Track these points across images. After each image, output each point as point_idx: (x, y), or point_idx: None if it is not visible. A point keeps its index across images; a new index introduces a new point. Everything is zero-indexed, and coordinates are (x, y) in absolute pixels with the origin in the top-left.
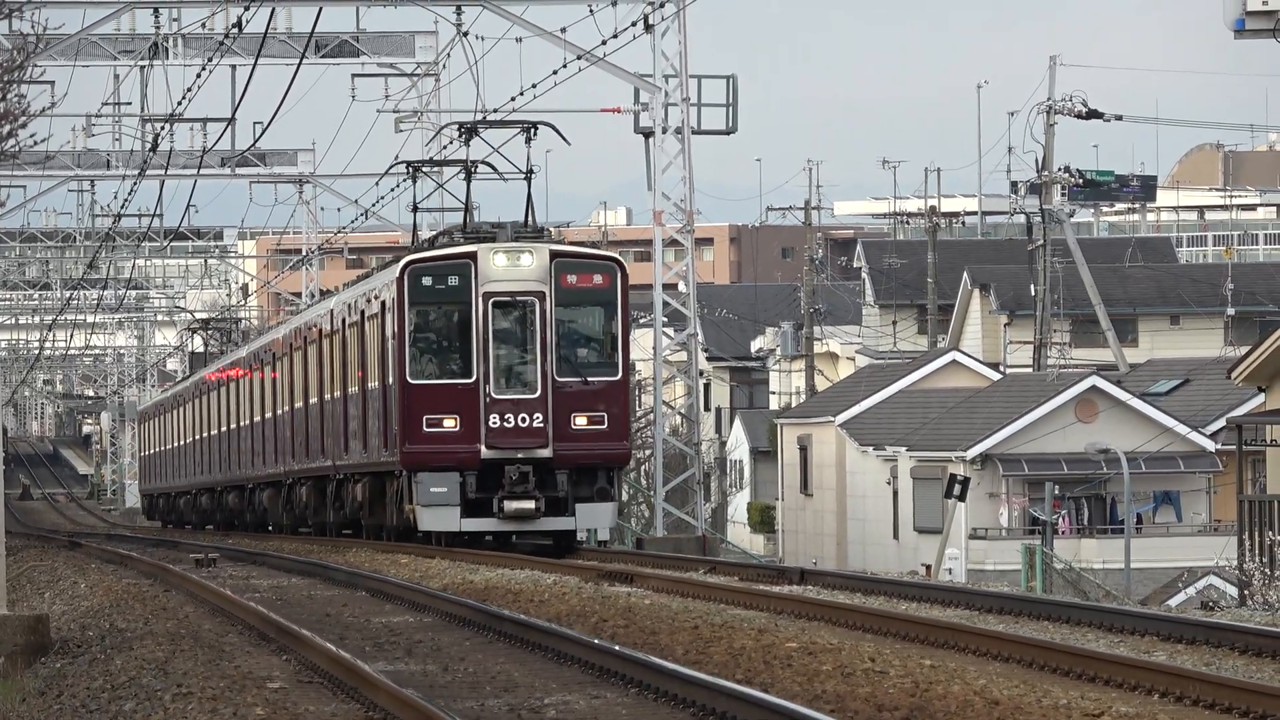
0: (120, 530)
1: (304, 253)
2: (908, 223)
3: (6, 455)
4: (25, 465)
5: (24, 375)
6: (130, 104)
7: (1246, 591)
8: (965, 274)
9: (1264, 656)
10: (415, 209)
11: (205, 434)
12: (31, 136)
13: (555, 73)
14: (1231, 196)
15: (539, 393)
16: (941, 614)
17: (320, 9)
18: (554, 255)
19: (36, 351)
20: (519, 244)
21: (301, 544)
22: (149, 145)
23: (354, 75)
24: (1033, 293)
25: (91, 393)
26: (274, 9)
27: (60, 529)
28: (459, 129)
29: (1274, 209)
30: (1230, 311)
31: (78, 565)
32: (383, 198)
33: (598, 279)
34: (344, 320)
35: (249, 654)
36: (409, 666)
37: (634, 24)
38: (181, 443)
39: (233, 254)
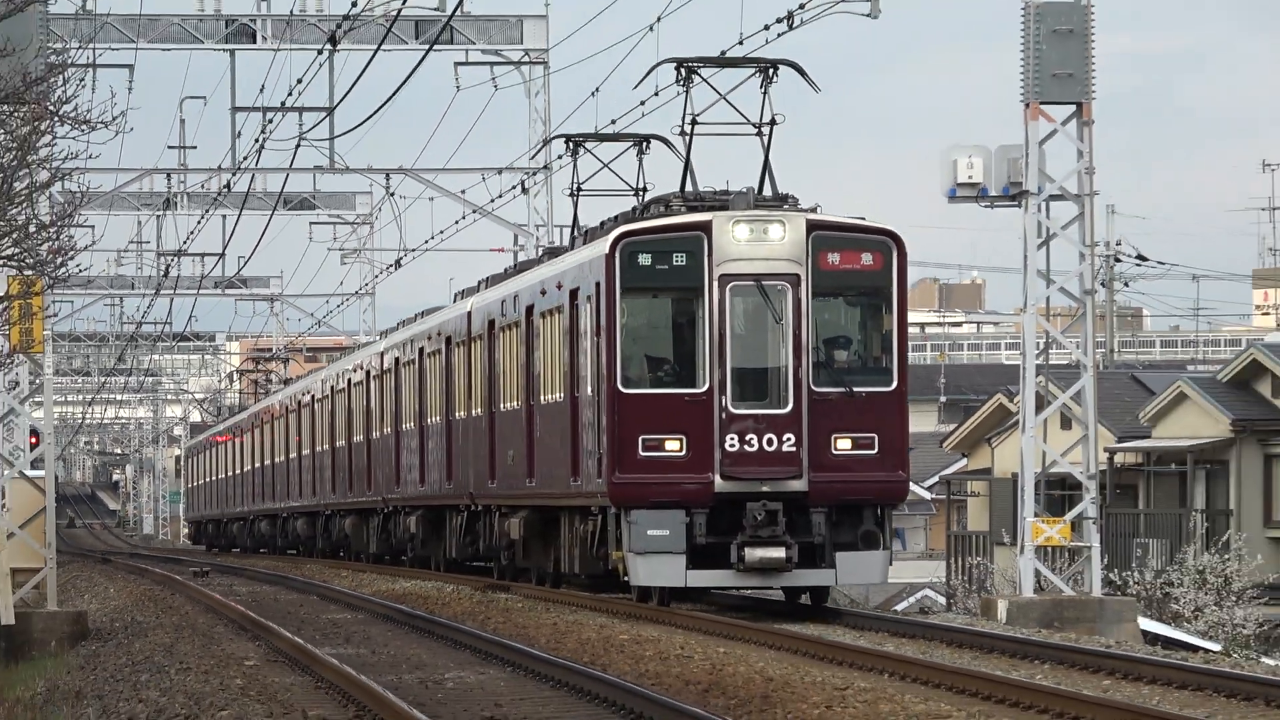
0: (140, 550)
1: (273, 351)
2: None
3: (57, 495)
4: (70, 503)
5: (70, 438)
6: (149, 242)
7: (952, 600)
8: None
9: (964, 648)
10: (577, 191)
11: (266, 462)
12: (77, 266)
13: (457, 222)
14: (944, 315)
15: (790, 406)
16: (732, 618)
17: (286, 176)
18: (811, 227)
19: (80, 421)
20: (766, 212)
21: (314, 565)
22: (162, 272)
23: (311, 224)
24: None
25: (119, 450)
26: (252, 175)
27: (95, 549)
28: (566, 142)
29: (975, 325)
30: (942, 399)
31: (108, 575)
32: (331, 312)
33: (867, 259)
34: (466, 333)
35: (232, 640)
36: (347, 650)
37: (514, 188)
38: (238, 471)
39: (222, 351)
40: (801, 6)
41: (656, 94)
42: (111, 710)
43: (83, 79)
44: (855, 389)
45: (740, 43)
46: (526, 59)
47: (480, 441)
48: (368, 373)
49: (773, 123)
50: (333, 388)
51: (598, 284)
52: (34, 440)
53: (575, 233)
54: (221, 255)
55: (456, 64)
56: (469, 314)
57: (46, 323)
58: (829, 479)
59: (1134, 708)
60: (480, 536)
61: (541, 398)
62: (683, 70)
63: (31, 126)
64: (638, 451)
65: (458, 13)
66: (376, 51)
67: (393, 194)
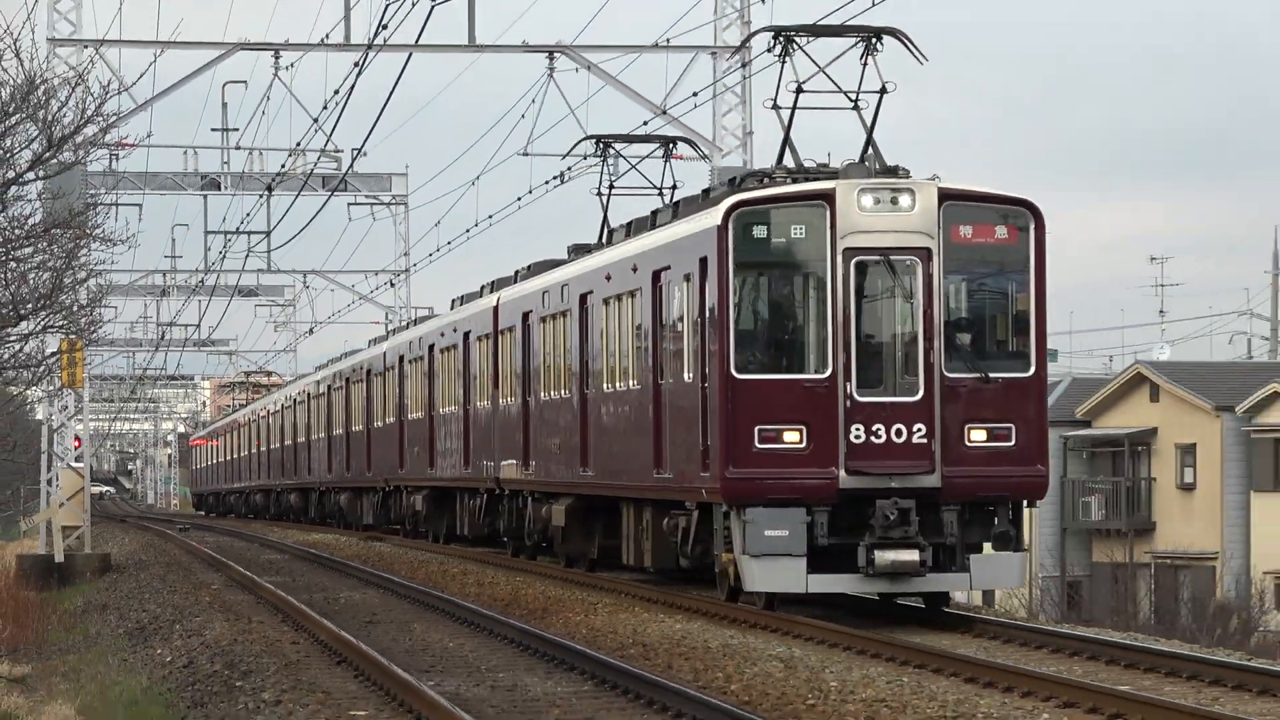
0: (144, 515)
1: (234, 384)
2: None
3: (91, 479)
4: (99, 484)
5: (100, 442)
6: (151, 317)
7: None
8: None
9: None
10: (609, 190)
11: (263, 448)
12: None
13: (350, 304)
14: None
15: (921, 394)
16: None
17: (239, 274)
18: (944, 197)
19: (106, 430)
20: (895, 180)
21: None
22: (160, 336)
23: (255, 305)
24: None
25: (131, 449)
26: (218, 274)
27: (115, 515)
28: (596, 142)
29: None
30: None
31: (124, 530)
32: (269, 359)
33: (1003, 231)
34: (493, 328)
35: (202, 572)
36: (278, 578)
37: (387, 283)
38: (235, 456)
39: (199, 386)
40: None
41: (530, 191)
42: (125, 616)
43: (108, 212)
44: (991, 375)
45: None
46: (393, 201)
47: (512, 429)
48: (368, 371)
49: (882, 91)
50: (329, 387)
51: (703, 260)
52: (77, 443)
53: (604, 232)
54: (198, 325)
55: (349, 204)
56: (495, 308)
57: (85, 368)
58: (963, 474)
59: None
60: (501, 517)
61: (606, 386)
62: (780, 38)
63: (75, 243)
64: (753, 443)
65: (350, 171)
66: (297, 197)
67: (308, 286)
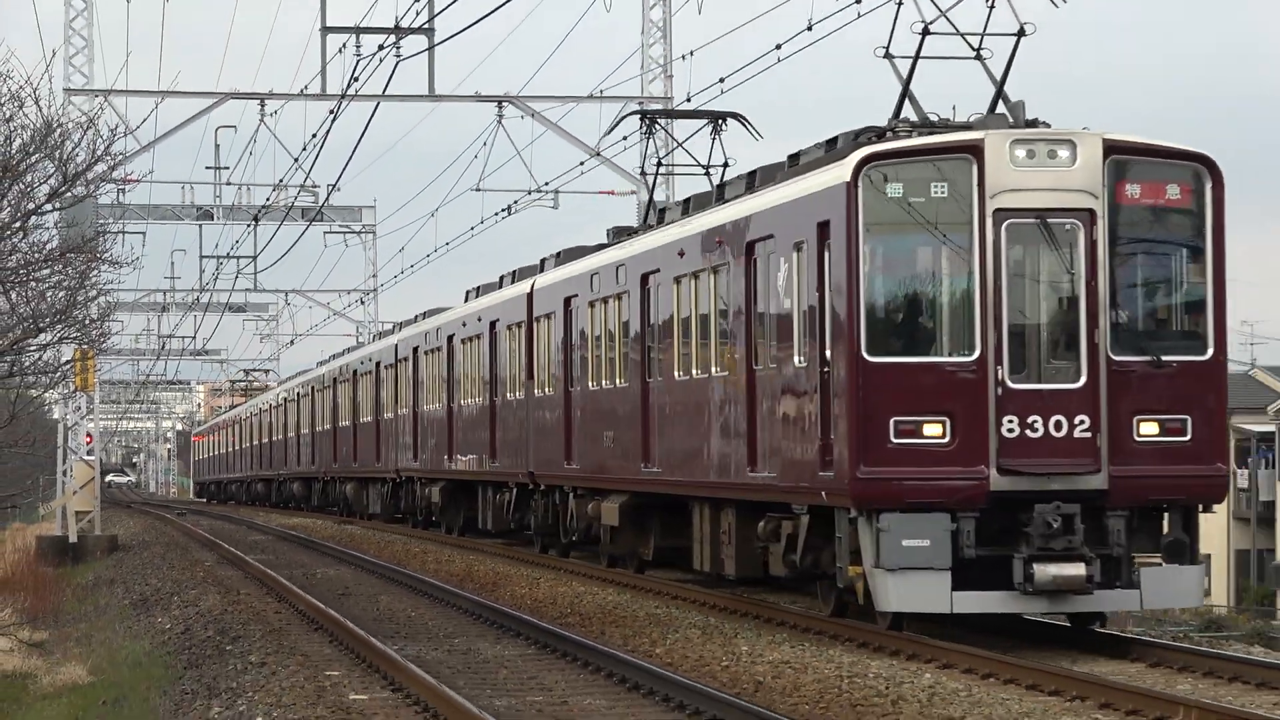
0: (147, 502)
1: (225, 388)
2: None
3: (100, 470)
4: (107, 474)
5: (109, 438)
6: (153, 331)
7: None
8: None
9: None
10: (657, 166)
11: (264, 440)
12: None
13: (326, 318)
14: None
15: (1083, 380)
16: (490, 543)
17: (229, 293)
18: (1110, 150)
19: (114, 428)
20: (1053, 130)
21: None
22: (160, 346)
23: (243, 320)
24: None
25: (136, 444)
26: (211, 292)
27: (122, 501)
28: (641, 118)
29: None
30: None
31: (129, 515)
32: (256, 366)
33: (1175, 191)
34: (527, 315)
35: (197, 551)
36: (264, 556)
37: (358, 300)
38: (238, 448)
39: (194, 389)
40: None
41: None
42: (130, 589)
43: (116, 239)
44: (1163, 358)
45: None
46: (363, 230)
47: (553, 421)
48: (377, 364)
49: (1020, 34)
50: (334, 380)
51: (822, 224)
52: (89, 439)
53: (650, 210)
54: (194, 337)
55: (325, 233)
56: (530, 294)
57: (95, 374)
58: (1132, 473)
59: None
60: (533, 513)
61: (677, 374)
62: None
63: (87, 266)
64: (889, 438)
65: (325, 204)
66: (280, 226)
67: (289, 303)
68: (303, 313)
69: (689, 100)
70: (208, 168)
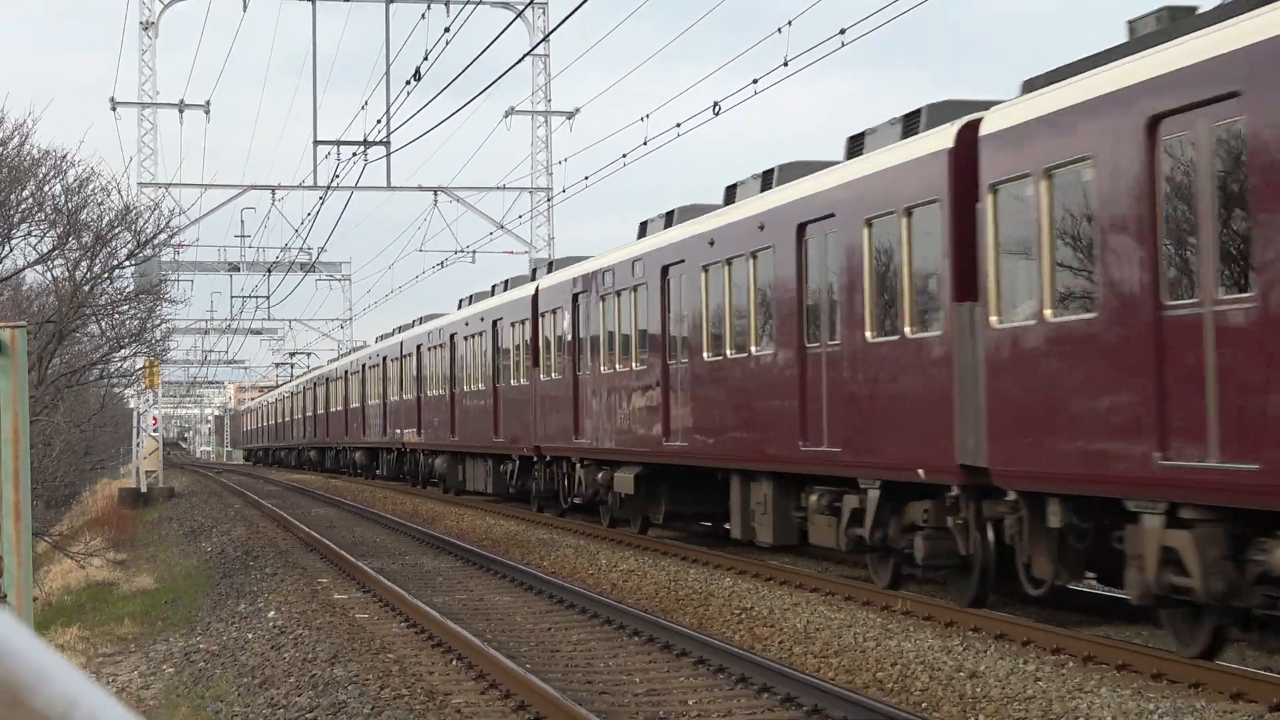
0: (196, 465)
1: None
2: None
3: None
4: (167, 446)
5: (169, 420)
6: (199, 349)
7: None
8: None
9: None
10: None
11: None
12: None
13: (326, 344)
14: None
15: None
16: (432, 494)
17: (250, 324)
18: None
19: (173, 412)
20: None
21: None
22: (201, 359)
23: (261, 340)
24: None
25: (188, 425)
26: (237, 322)
27: (177, 464)
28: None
29: None
30: None
31: (183, 473)
32: (271, 369)
33: None
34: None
35: (229, 497)
36: (275, 501)
37: (340, 326)
38: (276, 421)
39: (226, 387)
40: None
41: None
42: (183, 524)
43: (173, 285)
44: None
45: None
46: (342, 278)
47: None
48: (384, 359)
49: None
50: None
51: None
52: (155, 421)
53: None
54: (226, 351)
55: (316, 280)
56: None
57: (159, 376)
58: None
59: None
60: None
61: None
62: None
63: (153, 303)
64: None
65: (316, 260)
66: (285, 275)
67: (292, 328)
68: (301, 334)
69: (564, 191)
70: (236, 236)
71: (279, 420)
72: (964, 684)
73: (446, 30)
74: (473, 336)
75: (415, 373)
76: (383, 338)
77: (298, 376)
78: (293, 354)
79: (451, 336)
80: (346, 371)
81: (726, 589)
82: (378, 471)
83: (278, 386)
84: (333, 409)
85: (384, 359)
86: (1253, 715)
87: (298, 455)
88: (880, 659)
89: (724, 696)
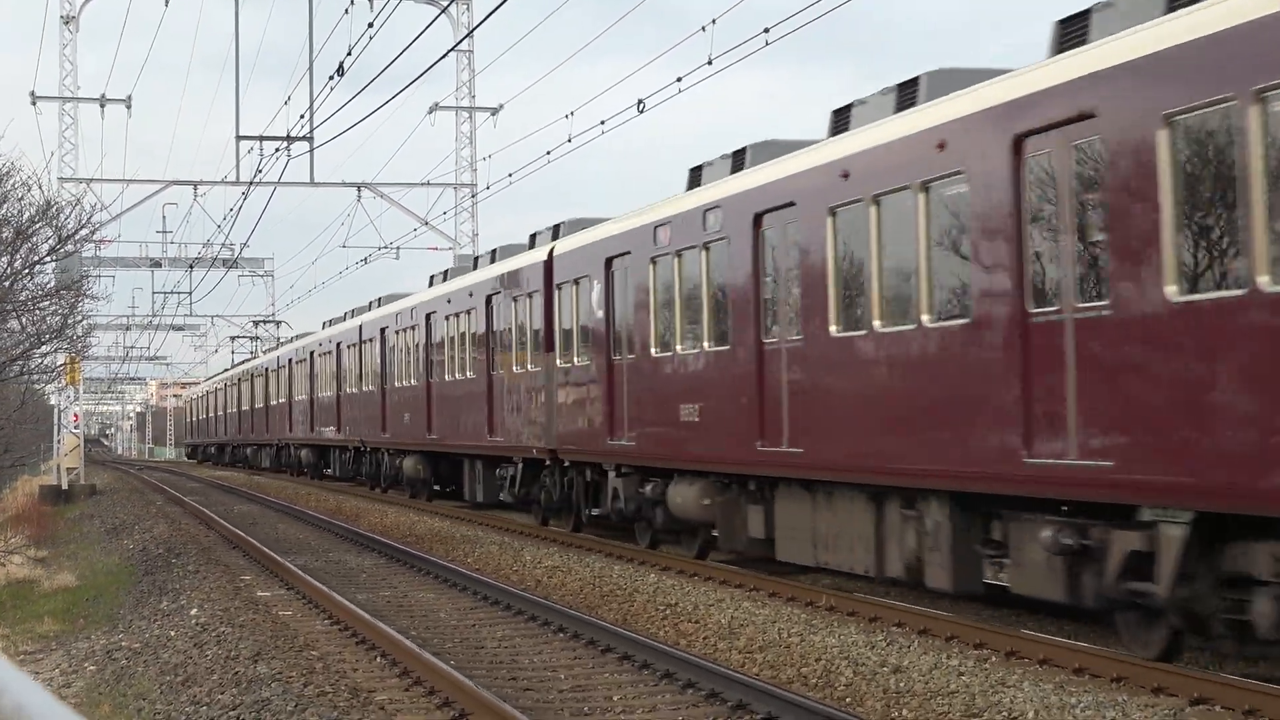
0: (116, 462)
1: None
2: None
3: (84, 440)
4: (88, 443)
5: (89, 417)
6: (119, 345)
7: None
8: None
9: None
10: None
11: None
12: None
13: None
14: None
15: None
16: (362, 490)
17: (173, 320)
18: None
19: (94, 409)
20: None
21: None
22: (122, 358)
23: (183, 337)
24: None
25: (109, 423)
26: (159, 318)
27: (98, 461)
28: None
29: None
30: None
31: (104, 470)
32: (197, 365)
33: None
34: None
35: (151, 494)
36: (197, 498)
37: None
38: (219, 414)
39: (145, 384)
40: None
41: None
42: (104, 522)
43: (94, 281)
44: None
45: None
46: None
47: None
48: (338, 344)
49: None
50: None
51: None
52: (75, 418)
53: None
54: (148, 347)
55: (239, 275)
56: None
57: (80, 373)
58: None
59: None
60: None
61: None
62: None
63: (74, 299)
64: None
65: (239, 256)
66: (208, 271)
67: (214, 324)
68: (223, 329)
69: (488, 188)
70: (158, 231)
71: (215, 413)
72: (888, 678)
73: (370, 25)
74: (457, 315)
75: (379, 361)
76: (331, 323)
77: (235, 365)
78: (258, 322)
79: (428, 316)
80: (291, 360)
81: (651, 585)
82: (327, 471)
83: (211, 378)
84: (272, 403)
85: (338, 345)
86: (1173, 709)
87: (231, 451)
88: (804, 654)
89: (649, 692)
